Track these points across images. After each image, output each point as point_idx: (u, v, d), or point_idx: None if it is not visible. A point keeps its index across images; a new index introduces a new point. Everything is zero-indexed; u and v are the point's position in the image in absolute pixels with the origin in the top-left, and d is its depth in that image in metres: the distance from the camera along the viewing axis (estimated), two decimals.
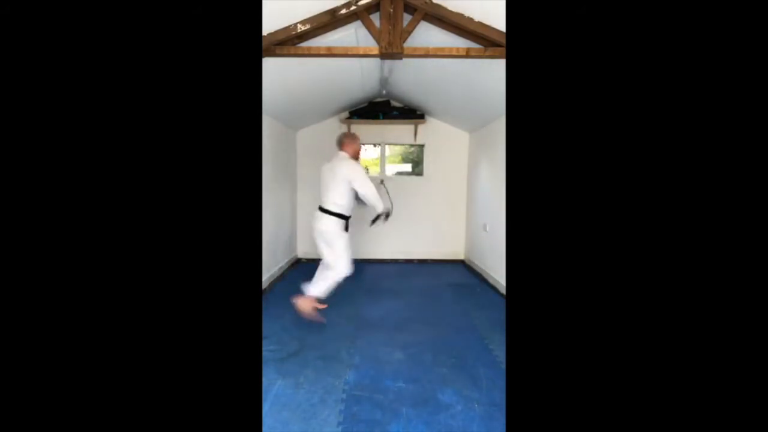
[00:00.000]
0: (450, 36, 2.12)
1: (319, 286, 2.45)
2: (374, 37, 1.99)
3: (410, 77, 3.21)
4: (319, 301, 2.55)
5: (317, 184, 4.29)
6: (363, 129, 4.25)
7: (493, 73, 2.41)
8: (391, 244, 4.40)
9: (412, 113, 4.10)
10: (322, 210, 2.44)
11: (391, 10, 1.94)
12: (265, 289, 3.17)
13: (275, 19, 1.88)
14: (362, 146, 2.47)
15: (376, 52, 2.00)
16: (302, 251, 4.39)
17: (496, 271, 3.32)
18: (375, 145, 4.44)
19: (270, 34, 1.96)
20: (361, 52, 2.04)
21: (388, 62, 2.82)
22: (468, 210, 4.30)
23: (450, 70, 2.72)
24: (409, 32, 1.97)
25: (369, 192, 2.38)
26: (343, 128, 4.23)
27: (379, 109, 4.04)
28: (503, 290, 3.13)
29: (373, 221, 2.54)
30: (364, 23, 1.99)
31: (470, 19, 1.95)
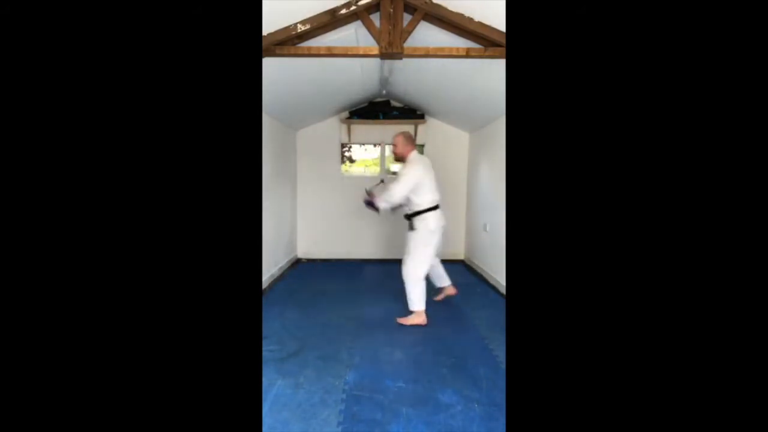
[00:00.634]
0: (450, 36, 2.12)
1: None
2: (374, 37, 1.99)
3: (410, 77, 3.21)
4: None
5: (317, 184, 4.33)
6: (363, 129, 4.25)
7: (493, 73, 2.41)
8: (391, 243, 4.40)
9: (412, 113, 4.10)
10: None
11: (391, 10, 1.94)
12: (265, 289, 3.17)
13: (275, 19, 1.88)
14: (407, 147, 2.56)
15: (376, 52, 2.00)
16: (302, 251, 4.39)
17: (496, 271, 3.32)
18: (375, 145, 4.44)
19: (270, 34, 1.96)
20: (361, 52, 2.04)
21: (388, 62, 2.82)
22: (468, 210, 4.30)
23: (450, 70, 2.72)
24: (409, 32, 1.97)
25: (394, 187, 2.41)
26: (343, 128, 4.23)
27: (379, 109, 4.04)
28: (503, 290, 3.13)
29: (368, 203, 2.57)
30: (364, 23, 1.99)
31: (470, 19, 1.95)
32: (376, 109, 4.05)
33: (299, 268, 3.96)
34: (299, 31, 1.95)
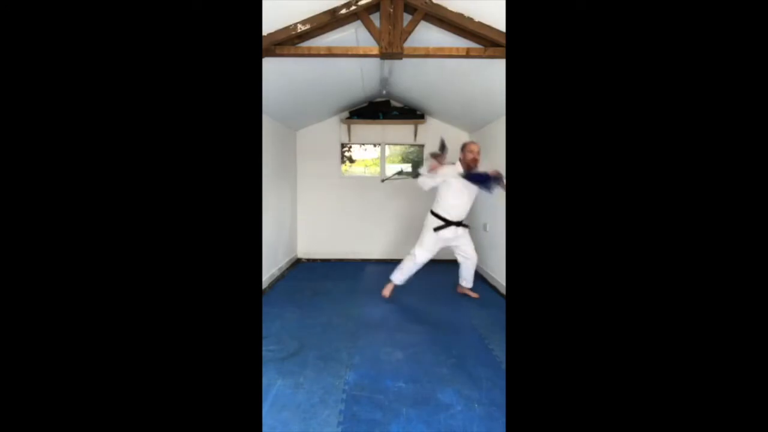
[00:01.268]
0: (450, 36, 2.12)
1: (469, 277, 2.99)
2: (374, 37, 2.00)
3: (410, 77, 3.21)
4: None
5: (317, 184, 4.32)
6: (363, 129, 4.25)
7: (493, 73, 2.41)
8: (391, 243, 4.40)
9: (412, 113, 4.10)
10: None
11: (391, 10, 1.94)
12: (265, 289, 3.17)
13: (275, 19, 1.88)
14: (472, 155, 2.75)
15: (376, 52, 2.00)
16: (302, 251, 4.39)
17: (496, 271, 3.32)
18: (375, 145, 4.44)
19: (270, 34, 1.96)
20: (361, 52, 2.04)
21: (388, 62, 2.82)
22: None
23: (450, 70, 2.72)
24: (409, 32, 1.97)
25: (434, 177, 2.70)
26: (343, 128, 4.23)
27: (379, 109, 4.04)
28: (503, 290, 3.13)
29: (434, 156, 2.74)
30: (364, 23, 1.99)
31: (470, 19, 1.95)
32: (376, 109, 4.04)
33: (299, 268, 3.96)
34: (299, 31, 1.95)
